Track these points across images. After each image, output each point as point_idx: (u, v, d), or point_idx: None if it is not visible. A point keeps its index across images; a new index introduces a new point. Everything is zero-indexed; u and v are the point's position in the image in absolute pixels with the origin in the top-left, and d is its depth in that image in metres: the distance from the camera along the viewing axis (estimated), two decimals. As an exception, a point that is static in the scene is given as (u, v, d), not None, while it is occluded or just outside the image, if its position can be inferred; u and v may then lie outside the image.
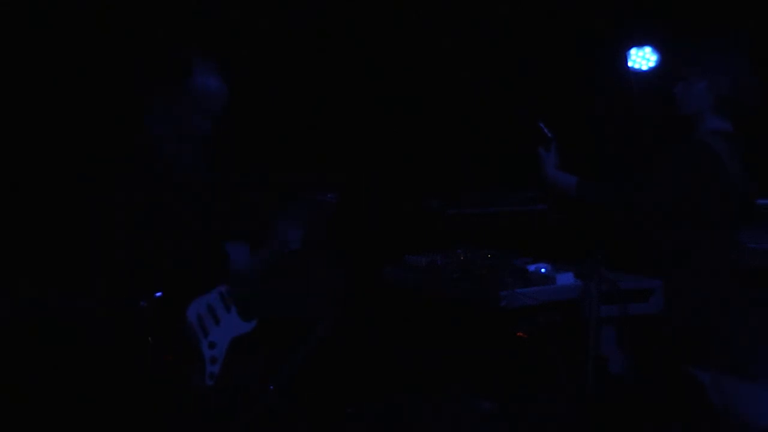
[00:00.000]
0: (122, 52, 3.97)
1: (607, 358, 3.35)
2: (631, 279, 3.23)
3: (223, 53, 3.27)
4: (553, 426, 3.50)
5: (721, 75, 3.18)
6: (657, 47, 5.19)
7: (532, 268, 3.23)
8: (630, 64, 5.25)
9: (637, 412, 3.33)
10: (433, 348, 3.98)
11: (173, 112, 2.86)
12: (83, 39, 3.95)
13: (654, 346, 3.34)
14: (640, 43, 5.22)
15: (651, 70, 5.23)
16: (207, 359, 2.83)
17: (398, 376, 4.12)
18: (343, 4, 4.78)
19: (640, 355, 3.39)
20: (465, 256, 3.42)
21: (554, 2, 5.14)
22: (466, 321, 3.56)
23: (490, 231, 4.47)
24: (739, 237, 3.56)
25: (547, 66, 5.18)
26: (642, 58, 5.22)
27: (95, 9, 3.98)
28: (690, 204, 3.18)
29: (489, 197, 4.63)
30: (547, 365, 3.44)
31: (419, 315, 3.89)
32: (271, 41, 4.61)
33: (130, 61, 3.87)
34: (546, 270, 3.21)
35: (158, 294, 2.78)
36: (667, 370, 3.29)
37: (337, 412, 4.02)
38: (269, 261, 3.11)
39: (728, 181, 3.18)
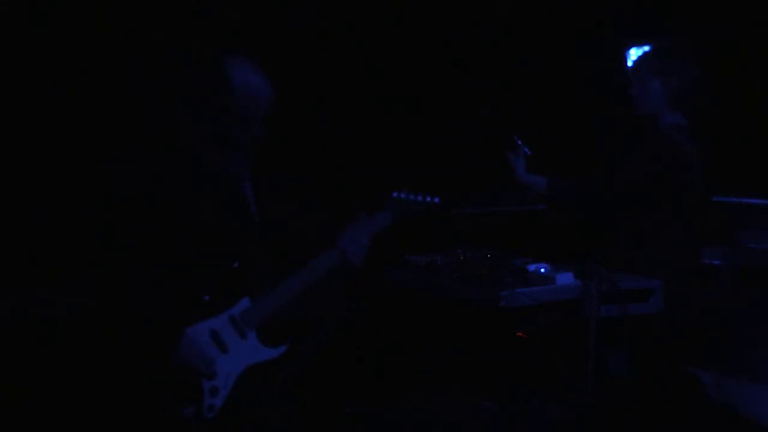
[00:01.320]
0: (155, 58, 3.88)
1: (607, 358, 3.35)
2: (631, 279, 3.23)
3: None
4: (553, 426, 3.50)
5: (672, 74, 3.43)
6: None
7: (532, 268, 3.23)
8: (630, 64, 5.25)
9: (637, 412, 3.33)
10: (433, 348, 3.98)
11: (215, 115, 2.60)
12: (119, 43, 3.87)
13: (654, 346, 3.34)
14: (640, 43, 5.22)
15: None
16: (206, 390, 2.58)
17: (398, 376, 4.12)
18: (343, 4, 4.78)
19: (640, 355, 3.40)
20: (465, 256, 3.42)
21: (554, 2, 5.14)
22: (466, 321, 3.56)
23: (490, 231, 4.47)
24: (739, 238, 3.59)
25: (547, 66, 5.18)
26: (642, 58, 5.22)
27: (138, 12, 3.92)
28: (653, 194, 3.30)
29: (489, 197, 4.63)
30: (547, 365, 3.44)
31: (419, 315, 3.89)
32: (271, 40, 4.61)
33: (163, 66, 3.73)
34: (546, 270, 3.21)
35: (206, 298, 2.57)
36: (665, 369, 3.30)
37: (337, 412, 4.02)
38: (319, 278, 2.74)
39: (691, 171, 3.33)
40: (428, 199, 2.85)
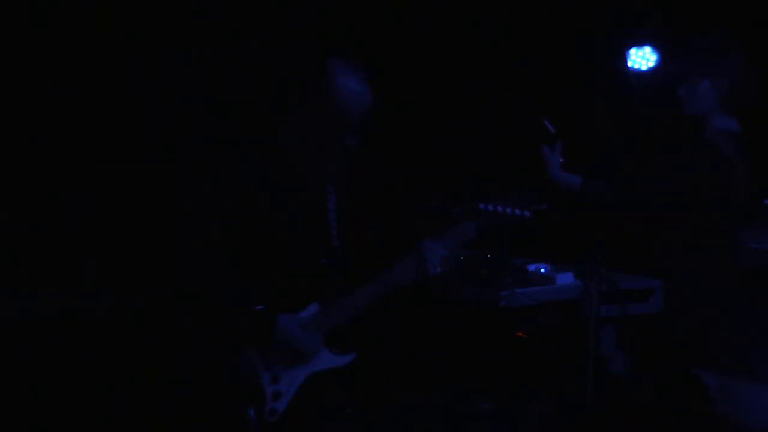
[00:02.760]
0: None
1: (607, 358, 3.35)
2: (631, 279, 3.23)
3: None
4: (553, 426, 3.50)
5: (722, 74, 3.19)
6: (657, 47, 5.19)
7: (532, 268, 3.23)
8: (630, 64, 5.25)
9: (637, 412, 3.33)
10: (433, 348, 3.98)
11: (313, 120, 2.48)
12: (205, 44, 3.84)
13: (654, 346, 3.34)
14: (640, 43, 5.22)
15: (651, 70, 5.23)
16: (268, 394, 2.51)
17: (398, 376, 4.12)
18: (343, 4, 4.78)
19: (640, 355, 3.39)
20: (465, 256, 3.42)
21: (554, 2, 5.14)
22: (466, 321, 3.56)
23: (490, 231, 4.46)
24: (740, 237, 3.56)
25: (547, 66, 5.18)
26: (642, 58, 5.22)
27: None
28: (698, 203, 3.18)
29: (489, 197, 4.62)
30: (547, 365, 3.44)
31: (419, 315, 3.89)
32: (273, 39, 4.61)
33: (264, 68, 3.63)
34: (546, 270, 3.21)
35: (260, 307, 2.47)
36: (668, 370, 3.29)
37: (337, 412, 4.01)
38: (391, 289, 2.63)
39: (736, 182, 3.18)
40: (518, 212, 2.72)
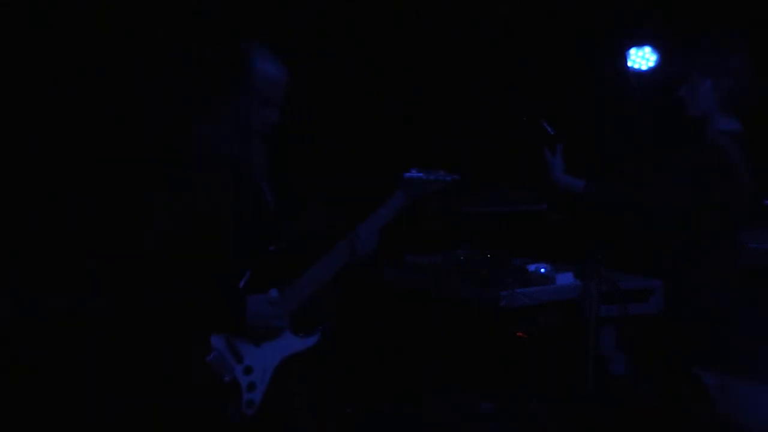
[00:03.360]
0: (175, 46, 3.83)
1: (607, 358, 3.36)
2: (631, 279, 3.23)
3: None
4: (553, 426, 3.50)
5: (724, 74, 3.16)
6: (657, 47, 5.19)
7: (532, 268, 3.23)
8: (630, 64, 5.25)
9: (637, 412, 3.33)
10: (433, 348, 3.98)
11: (235, 107, 2.56)
12: (135, 35, 3.86)
13: (654, 346, 3.33)
14: (640, 43, 5.22)
15: (651, 70, 5.23)
16: (243, 386, 2.56)
17: (398, 376, 4.12)
18: (344, 4, 4.78)
19: (640, 355, 3.39)
20: (465, 256, 3.42)
21: (554, 2, 5.14)
22: (466, 321, 3.56)
23: (490, 231, 4.47)
24: (740, 237, 3.56)
25: (547, 66, 5.18)
26: (642, 58, 5.22)
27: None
28: (702, 206, 3.17)
29: (489, 197, 4.63)
30: (547, 365, 3.44)
31: (419, 315, 3.89)
32: (272, 39, 4.61)
33: (186, 54, 3.63)
34: (546, 270, 3.21)
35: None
36: (668, 370, 3.29)
37: (337, 412, 4.02)
38: (336, 270, 2.74)
39: (739, 183, 3.17)
40: (444, 177, 2.86)
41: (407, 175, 2.82)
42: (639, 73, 5.27)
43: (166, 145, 2.75)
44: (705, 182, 3.12)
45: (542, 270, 3.20)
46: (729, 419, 3.12)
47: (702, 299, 3.18)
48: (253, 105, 2.56)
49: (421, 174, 2.83)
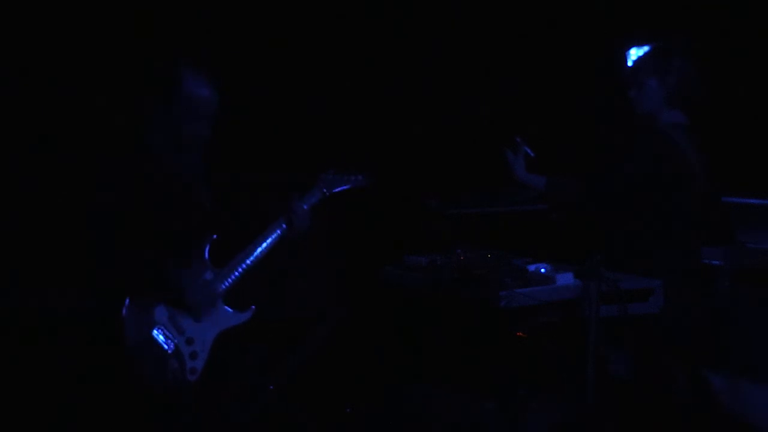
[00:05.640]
0: (117, 62, 4.03)
1: (607, 358, 3.35)
2: (631, 279, 3.23)
3: (222, 54, 3.27)
4: (553, 426, 3.50)
5: (668, 73, 3.42)
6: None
7: (532, 268, 3.22)
8: (630, 64, 5.25)
9: (637, 412, 3.33)
10: (433, 348, 3.98)
11: (170, 120, 2.96)
12: (75, 46, 4.01)
13: (654, 346, 3.34)
14: (640, 43, 5.22)
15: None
16: (186, 355, 2.91)
17: (398, 376, 4.12)
18: (344, 4, 4.78)
19: (640, 355, 3.39)
20: (465, 256, 3.42)
21: (554, 2, 5.15)
22: (466, 321, 3.56)
23: (490, 231, 4.47)
24: (739, 238, 3.58)
25: (547, 66, 5.18)
26: (642, 58, 5.22)
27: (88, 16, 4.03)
28: (651, 194, 3.30)
29: (489, 197, 4.63)
30: (547, 365, 3.44)
31: (419, 315, 3.89)
32: (271, 39, 4.62)
33: (126, 70, 3.98)
34: (546, 270, 3.20)
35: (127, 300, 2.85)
36: (668, 370, 3.29)
37: (337, 412, 4.02)
38: (269, 245, 3.15)
39: (689, 172, 3.32)
40: (356, 178, 3.40)
41: (322, 174, 3.36)
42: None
43: (109, 144, 3.17)
44: (655, 165, 3.29)
45: (542, 270, 3.20)
46: (730, 419, 3.12)
47: (676, 296, 3.22)
48: (184, 117, 2.95)
49: (335, 174, 3.37)
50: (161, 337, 2.89)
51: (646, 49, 3.65)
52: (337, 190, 3.36)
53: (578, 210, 3.72)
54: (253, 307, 3.09)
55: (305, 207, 3.23)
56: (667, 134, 3.38)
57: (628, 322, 3.11)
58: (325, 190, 3.32)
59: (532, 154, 3.53)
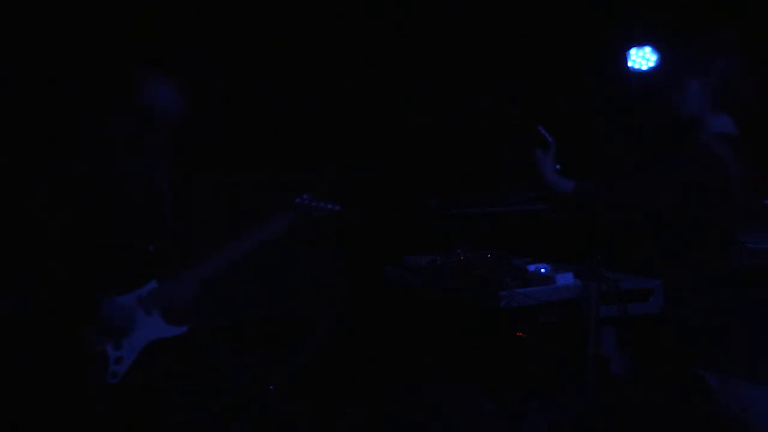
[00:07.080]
0: (75, 73, 4.04)
1: (607, 358, 3.35)
2: (631, 279, 3.23)
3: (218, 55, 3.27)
4: (553, 426, 3.50)
5: (711, 74, 3.16)
6: (657, 47, 5.19)
7: (532, 268, 3.22)
8: (630, 64, 5.25)
9: (637, 412, 3.33)
10: (433, 348, 3.98)
11: (125, 128, 2.92)
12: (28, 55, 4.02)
13: (654, 346, 3.34)
14: (640, 43, 5.22)
15: (651, 70, 5.23)
16: (111, 359, 2.91)
17: (398, 376, 4.12)
18: (344, 4, 4.78)
19: (640, 355, 3.39)
20: (465, 256, 3.42)
21: (554, 2, 5.14)
22: (466, 321, 3.56)
23: (490, 231, 4.47)
24: (739, 237, 3.56)
25: (548, 66, 5.18)
26: (642, 58, 5.22)
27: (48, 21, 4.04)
28: (690, 206, 3.18)
29: (489, 197, 4.63)
30: (547, 365, 3.44)
31: (419, 315, 3.89)
32: (271, 39, 4.62)
33: (81, 79, 3.95)
34: (546, 270, 3.20)
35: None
36: (668, 370, 3.29)
37: (337, 412, 4.02)
38: (219, 269, 3.04)
39: (729, 185, 3.17)
40: (329, 206, 3.14)
41: (297, 200, 3.13)
42: (639, 73, 5.27)
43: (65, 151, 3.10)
44: (692, 183, 3.12)
45: (542, 270, 3.20)
46: (730, 419, 3.12)
47: (692, 300, 3.18)
48: (143, 125, 2.91)
49: (311, 201, 3.14)
50: (93, 336, 2.89)
51: (683, 48, 3.39)
52: (309, 219, 3.14)
53: (605, 216, 3.56)
54: (187, 327, 3.01)
55: (265, 236, 3.07)
56: (708, 146, 3.14)
57: (628, 322, 3.11)
58: (295, 218, 3.12)
59: (550, 140, 3.37)
